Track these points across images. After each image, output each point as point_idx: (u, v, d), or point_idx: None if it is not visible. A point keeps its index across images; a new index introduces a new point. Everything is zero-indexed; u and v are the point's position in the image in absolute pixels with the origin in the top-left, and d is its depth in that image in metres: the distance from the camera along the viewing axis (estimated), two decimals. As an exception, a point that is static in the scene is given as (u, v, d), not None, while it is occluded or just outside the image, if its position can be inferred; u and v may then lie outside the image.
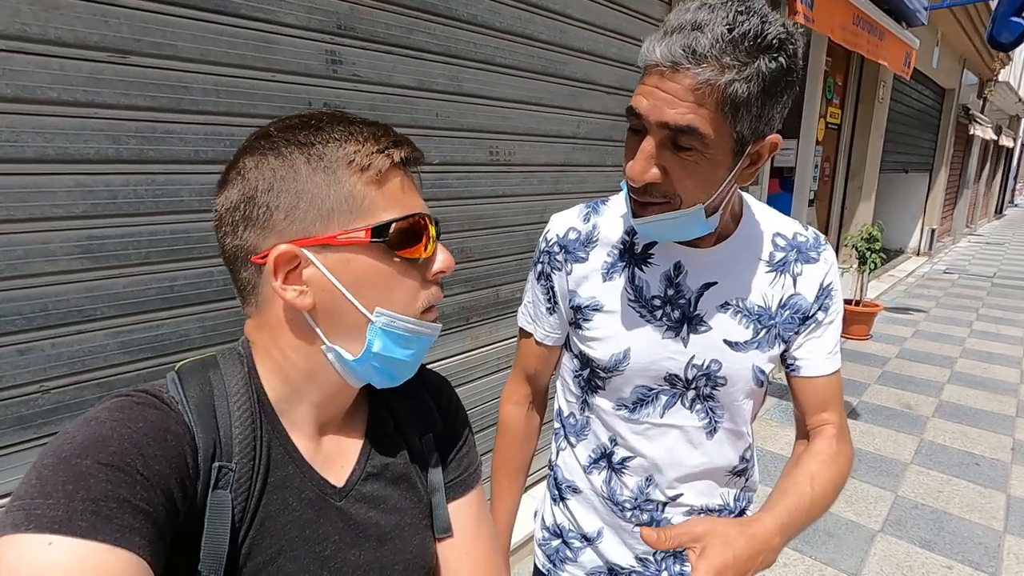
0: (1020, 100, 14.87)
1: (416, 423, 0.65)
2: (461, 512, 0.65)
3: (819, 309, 0.83)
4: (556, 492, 1.00)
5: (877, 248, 4.89)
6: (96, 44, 1.13)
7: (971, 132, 10.87)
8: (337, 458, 0.58)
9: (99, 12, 1.13)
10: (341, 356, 0.52)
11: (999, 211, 21.11)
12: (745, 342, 0.81)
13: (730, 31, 0.59)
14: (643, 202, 0.71)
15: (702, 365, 0.82)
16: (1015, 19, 5.04)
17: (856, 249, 4.95)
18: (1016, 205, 26.24)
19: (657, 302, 0.82)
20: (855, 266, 5.06)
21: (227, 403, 0.51)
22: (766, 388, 0.87)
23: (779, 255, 0.83)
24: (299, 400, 0.55)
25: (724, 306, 0.81)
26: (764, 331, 0.82)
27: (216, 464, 0.48)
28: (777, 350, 0.83)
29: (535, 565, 1.06)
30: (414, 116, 1.74)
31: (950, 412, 3.76)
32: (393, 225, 0.51)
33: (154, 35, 1.20)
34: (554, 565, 1.01)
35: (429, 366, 1.02)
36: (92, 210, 1.16)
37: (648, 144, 0.66)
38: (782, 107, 0.66)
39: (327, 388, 0.55)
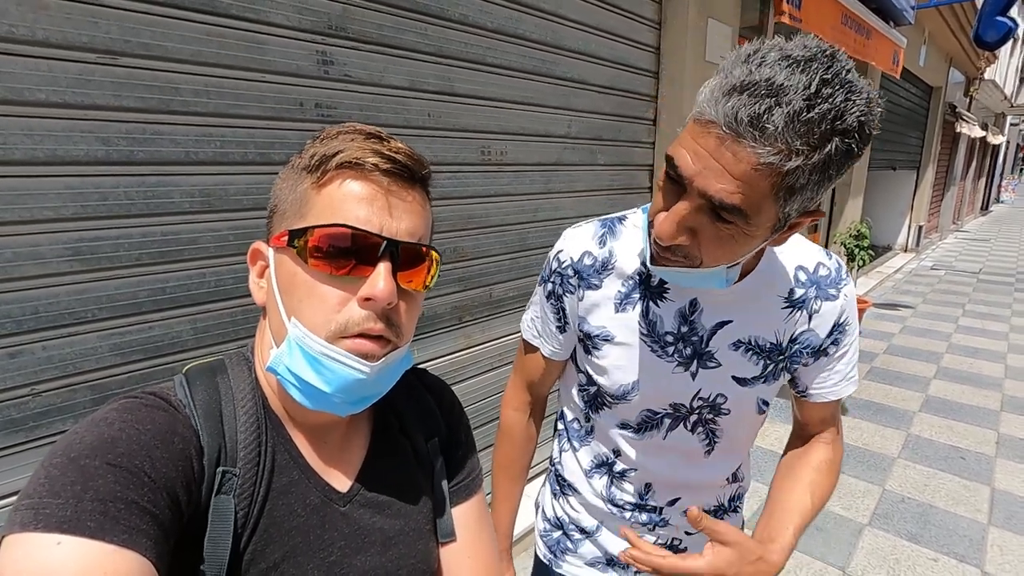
0: (1005, 98, 15.04)
1: (421, 427, 0.65)
2: (464, 517, 0.66)
3: (831, 344, 0.82)
4: (557, 487, 1.02)
5: (865, 245, 4.95)
6: (85, 45, 1.12)
7: (958, 130, 10.98)
8: (342, 463, 0.58)
9: (88, 13, 1.12)
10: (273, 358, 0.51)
11: (985, 208, 21.35)
12: (753, 378, 0.81)
13: (809, 109, 0.51)
14: (662, 255, 0.67)
15: (708, 398, 0.83)
16: (1000, 18, 5.11)
17: (845, 246, 5.00)
18: (1002, 202, 26.55)
19: (670, 338, 0.80)
20: (844, 263, 5.12)
21: (233, 408, 0.51)
22: (766, 414, 0.89)
23: (799, 291, 0.79)
24: (302, 405, 0.55)
25: (736, 344, 0.80)
26: (772, 366, 0.81)
27: (220, 469, 0.48)
28: (782, 381, 0.85)
29: (536, 555, 1.08)
30: (406, 116, 1.75)
31: (936, 407, 3.81)
32: (309, 232, 0.48)
33: (143, 36, 1.19)
34: (555, 556, 1.02)
35: (422, 366, 1.02)
36: (82, 212, 1.15)
37: (683, 207, 0.60)
38: (836, 179, 0.59)
39: None
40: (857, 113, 0.53)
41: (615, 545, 0.95)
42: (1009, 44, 11.25)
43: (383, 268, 0.48)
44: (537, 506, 1.12)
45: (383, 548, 0.58)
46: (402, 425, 0.64)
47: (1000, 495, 2.81)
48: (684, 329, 0.79)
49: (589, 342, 0.85)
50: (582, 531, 0.98)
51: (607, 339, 0.83)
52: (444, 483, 0.65)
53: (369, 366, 0.49)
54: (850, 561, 2.33)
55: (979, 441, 3.35)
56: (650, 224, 0.67)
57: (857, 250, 4.92)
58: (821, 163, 0.54)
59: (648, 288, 0.80)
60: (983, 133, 13.28)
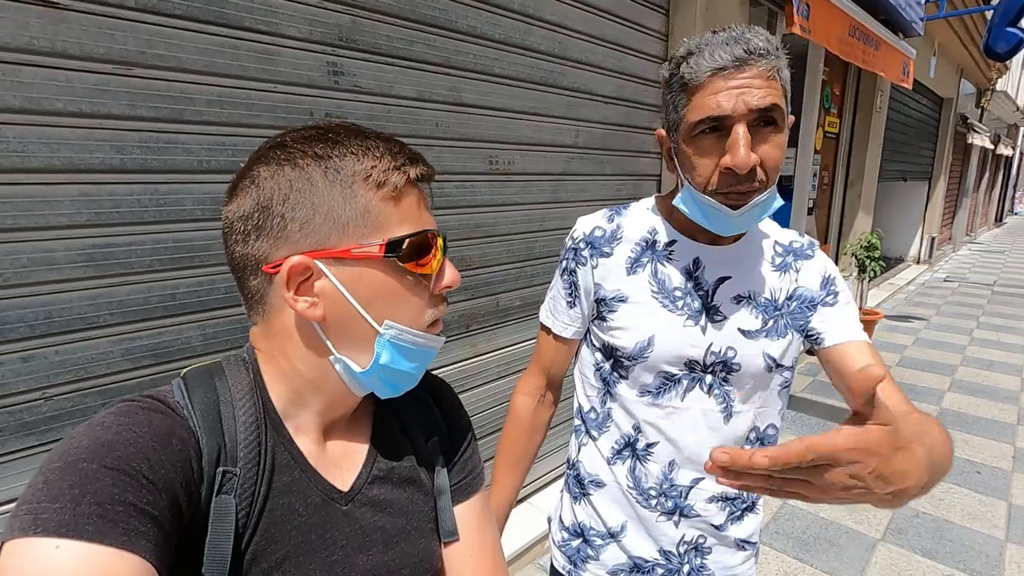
0: (1018, 109, 14.92)
1: (421, 426, 0.65)
2: (465, 515, 0.66)
3: (827, 295, 0.91)
4: (578, 489, 1.02)
5: (876, 256, 4.90)
6: (102, 56, 1.15)
7: (969, 141, 10.89)
8: (343, 462, 0.58)
9: (105, 25, 1.15)
10: (348, 367, 0.53)
11: (999, 219, 21.12)
12: (756, 331, 0.88)
13: (758, 36, 0.73)
14: (744, 191, 0.76)
15: (720, 352, 0.88)
16: (1010, 29, 5.09)
17: (855, 257, 4.95)
18: (1016, 213, 26.26)
19: (678, 293, 0.89)
20: (855, 274, 5.06)
21: (232, 409, 0.51)
22: (780, 379, 0.91)
23: (779, 259, 0.92)
24: (304, 406, 0.55)
25: (737, 298, 0.88)
26: (772, 321, 0.89)
27: (220, 469, 0.48)
28: (788, 339, 0.89)
29: (552, 566, 1.07)
30: (414, 126, 1.77)
31: (951, 420, 3.75)
32: (406, 241, 0.52)
33: (158, 47, 1.22)
34: (575, 565, 1.01)
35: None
36: (96, 219, 1.18)
37: (740, 129, 0.73)
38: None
39: (332, 395, 0.56)
40: (776, 38, 0.75)
41: (640, 547, 0.95)
42: (1021, 55, 11.19)
43: (447, 260, 0.57)
44: (550, 520, 1.11)
45: (385, 547, 0.58)
46: (402, 425, 0.64)
47: (1017, 510, 2.75)
48: (690, 284, 0.89)
49: (604, 307, 0.92)
50: (606, 534, 0.98)
51: (622, 300, 0.90)
52: (446, 482, 0.65)
53: (441, 341, 0.59)
54: (863, 576, 2.29)
55: (995, 455, 3.28)
56: (710, 185, 0.77)
57: (868, 261, 4.88)
58: (786, 67, 0.75)
59: (655, 251, 0.91)
60: (992, 146, 13.17)
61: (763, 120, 0.73)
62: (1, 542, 0.37)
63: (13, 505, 1.17)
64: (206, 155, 1.32)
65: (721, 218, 0.79)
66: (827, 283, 0.91)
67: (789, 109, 0.77)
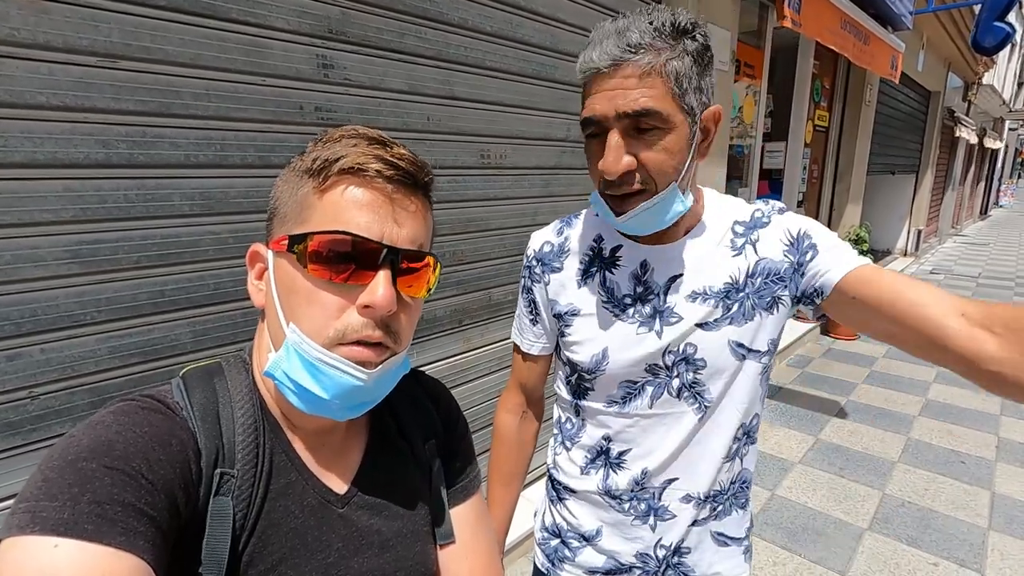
0: (1004, 103, 15.07)
1: (418, 429, 0.65)
2: (461, 518, 0.66)
3: (803, 254, 0.81)
4: (554, 494, 1.02)
5: (865, 249, 4.97)
6: (86, 48, 1.13)
7: (956, 134, 11.00)
8: (339, 465, 0.58)
9: (88, 16, 1.13)
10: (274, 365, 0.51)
11: (984, 212, 21.38)
12: (716, 320, 0.82)
13: (651, 24, 0.69)
14: (621, 196, 0.74)
15: (677, 351, 0.83)
16: (998, 24, 5.13)
17: (844, 250, 5.00)
18: (1001, 206, 26.61)
19: (628, 300, 0.86)
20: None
21: (231, 410, 0.51)
22: (758, 366, 0.84)
23: (740, 239, 0.85)
24: (300, 410, 0.54)
25: (692, 295, 0.83)
26: (736, 304, 0.82)
27: (218, 470, 0.48)
28: (756, 321, 0.82)
29: (534, 564, 1.07)
30: (405, 120, 1.75)
31: (936, 411, 3.81)
32: (310, 238, 0.48)
33: (144, 39, 1.20)
34: (553, 564, 1.02)
35: (422, 368, 1.03)
36: (82, 215, 1.16)
37: (614, 137, 0.70)
38: (712, 81, 0.75)
39: None
40: (685, 19, 0.70)
41: (617, 550, 0.94)
42: (1007, 49, 11.30)
43: (383, 276, 0.48)
44: (536, 515, 1.11)
45: (381, 550, 0.58)
46: (400, 427, 0.64)
47: (1000, 499, 2.80)
48: (639, 290, 0.85)
49: (561, 322, 0.91)
50: (582, 537, 0.97)
51: (575, 313, 0.89)
52: (442, 485, 0.65)
53: (367, 373, 0.49)
54: (850, 566, 2.32)
55: (979, 445, 3.35)
56: (600, 186, 0.76)
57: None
58: (686, 54, 0.70)
59: (602, 260, 0.88)
60: (978, 139, 13.31)
61: (637, 127, 0.70)
62: None
63: (1, 503, 1.16)
64: (194, 149, 1.30)
65: (613, 220, 0.78)
66: (797, 243, 0.81)
67: (690, 100, 0.70)
